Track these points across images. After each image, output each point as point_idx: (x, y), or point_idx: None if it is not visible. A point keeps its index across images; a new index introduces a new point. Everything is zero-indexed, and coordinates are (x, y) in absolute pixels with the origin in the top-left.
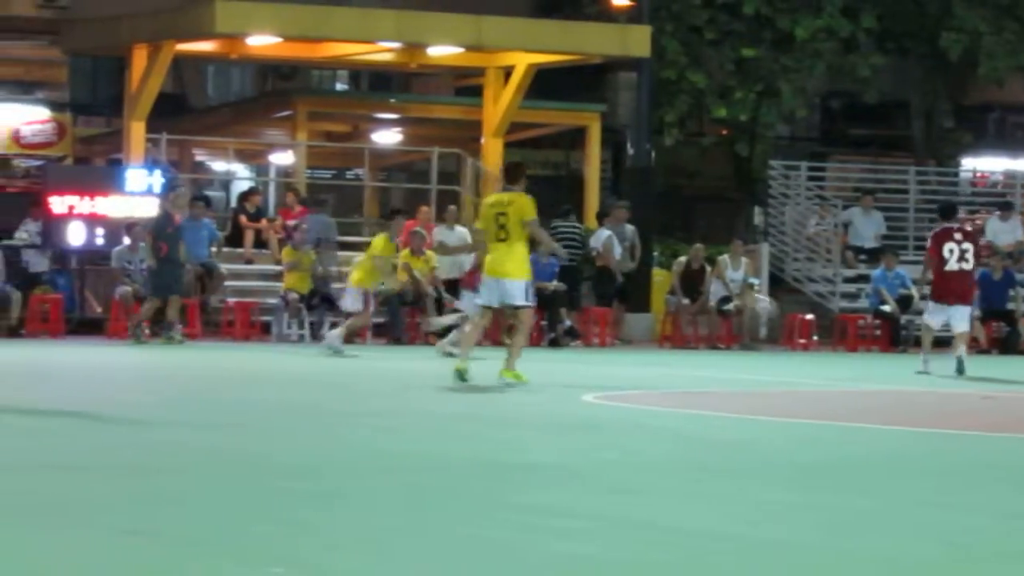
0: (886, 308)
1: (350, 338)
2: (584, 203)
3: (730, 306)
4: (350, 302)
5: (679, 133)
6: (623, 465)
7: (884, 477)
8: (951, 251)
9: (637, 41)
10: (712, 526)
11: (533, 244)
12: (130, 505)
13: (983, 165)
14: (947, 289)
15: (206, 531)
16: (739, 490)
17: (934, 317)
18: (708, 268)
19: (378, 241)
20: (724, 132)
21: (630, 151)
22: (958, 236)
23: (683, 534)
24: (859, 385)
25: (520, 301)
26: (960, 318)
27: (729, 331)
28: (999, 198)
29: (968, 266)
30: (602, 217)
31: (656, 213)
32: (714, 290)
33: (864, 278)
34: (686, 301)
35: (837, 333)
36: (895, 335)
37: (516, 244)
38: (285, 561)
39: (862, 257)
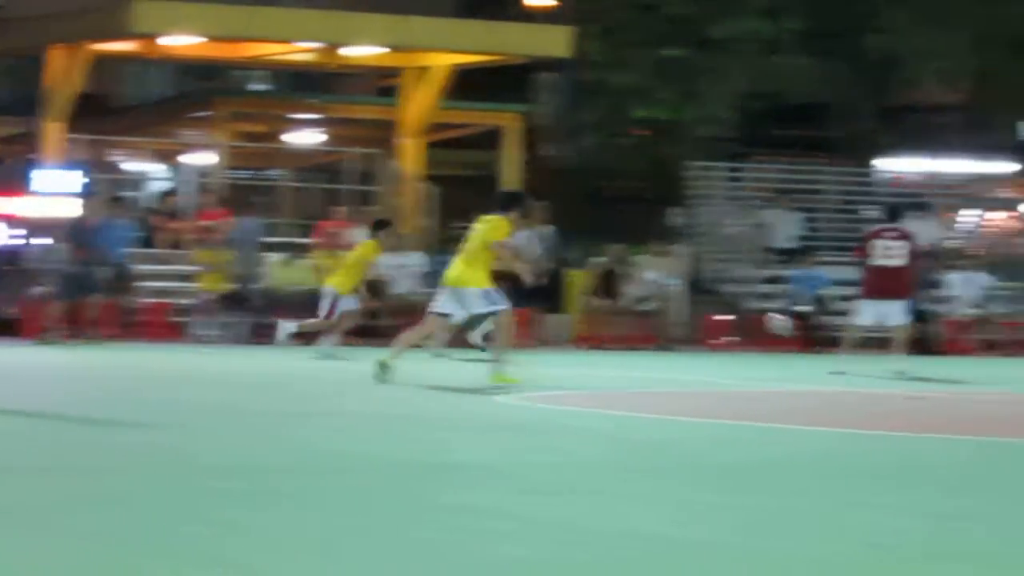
0: (801, 308)
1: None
2: None
3: (647, 306)
4: (347, 304)
5: (600, 134)
6: (549, 466)
7: (807, 478)
8: (877, 247)
9: (558, 42)
10: (637, 527)
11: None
12: (57, 506)
13: (903, 166)
14: (872, 284)
15: (136, 531)
16: (663, 491)
17: (862, 315)
18: (626, 269)
19: (367, 248)
20: (645, 133)
21: (550, 152)
22: (890, 235)
23: (609, 535)
24: (778, 385)
25: (481, 308)
26: (892, 313)
27: (646, 331)
28: (917, 199)
29: (893, 262)
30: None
31: (575, 214)
32: (632, 291)
33: (781, 278)
34: (604, 301)
35: (754, 333)
36: (812, 335)
37: (477, 260)
38: (217, 562)
39: (779, 257)
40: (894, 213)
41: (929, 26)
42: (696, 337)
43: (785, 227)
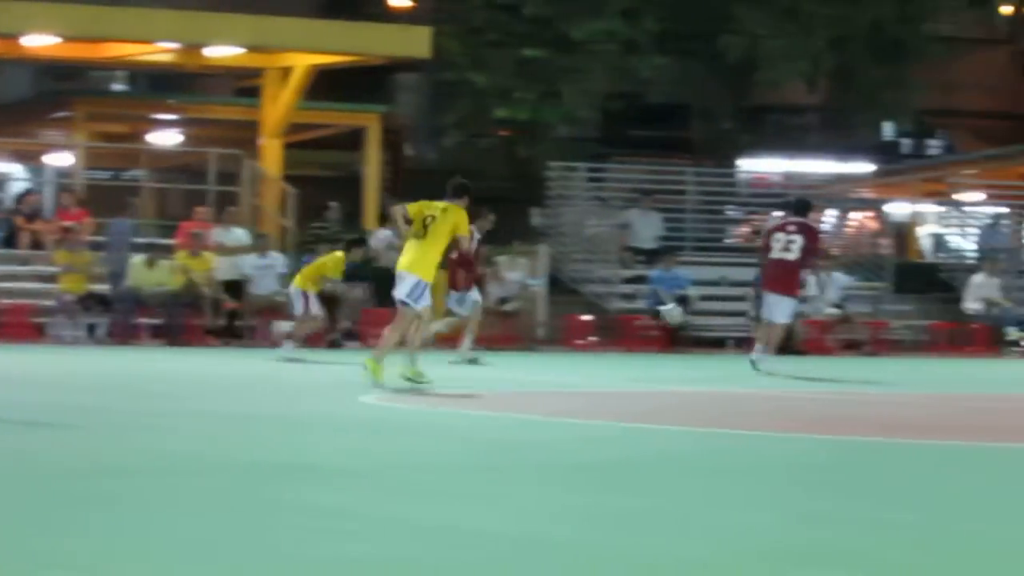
0: (665, 308)
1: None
2: (364, 204)
3: (510, 307)
4: (315, 307)
5: (460, 134)
6: (406, 466)
7: (668, 477)
8: (778, 240)
9: (418, 42)
10: (494, 526)
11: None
12: None
13: (764, 166)
14: (767, 277)
15: None
16: (518, 490)
17: (762, 308)
18: (488, 269)
19: (333, 260)
20: (505, 133)
21: (411, 152)
22: (791, 228)
23: (464, 534)
24: (640, 386)
25: (402, 294)
26: (776, 309)
27: (509, 332)
28: (777, 198)
29: (790, 256)
30: (383, 219)
31: None
32: (494, 291)
33: (642, 279)
34: None
35: (616, 334)
36: (673, 335)
37: (431, 248)
38: (61, 565)
39: (640, 258)
40: (799, 207)
41: (786, 27)
42: (559, 337)
43: (647, 227)
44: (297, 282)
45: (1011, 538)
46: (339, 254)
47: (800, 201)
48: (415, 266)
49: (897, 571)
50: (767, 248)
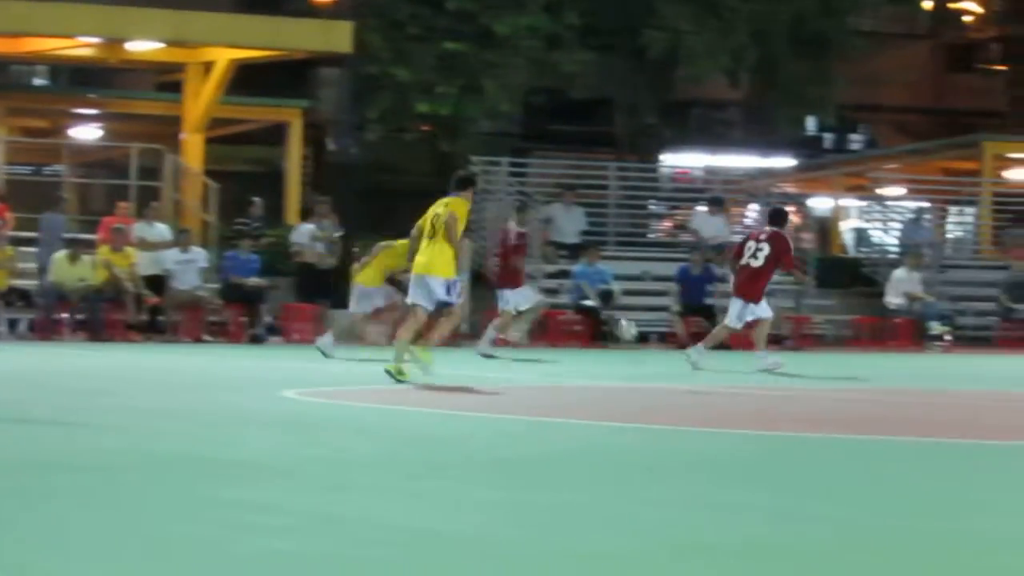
0: (588, 303)
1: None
2: (286, 199)
3: None
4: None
5: (382, 128)
6: (328, 461)
7: (583, 472)
8: (749, 248)
9: (340, 36)
10: (408, 522)
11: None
12: None
13: (684, 161)
14: (735, 283)
15: None
16: (438, 486)
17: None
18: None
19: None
20: (427, 128)
21: (333, 147)
22: (762, 236)
23: (388, 530)
24: (560, 380)
25: (441, 296)
26: (731, 310)
27: (434, 327)
28: (699, 193)
29: (756, 263)
30: (306, 213)
31: (359, 209)
32: None
33: (565, 273)
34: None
35: (539, 328)
36: (596, 330)
37: (445, 244)
38: None
39: (563, 253)
40: (774, 216)
41: (708, 22)
42: (482, 332)
43: (569, 222)
44: (362, 279)
45: (928, 530)
46: (399, 243)
47: (774, 211)
48: (434, 267)
49: (814, 563)
50: (738, 255)
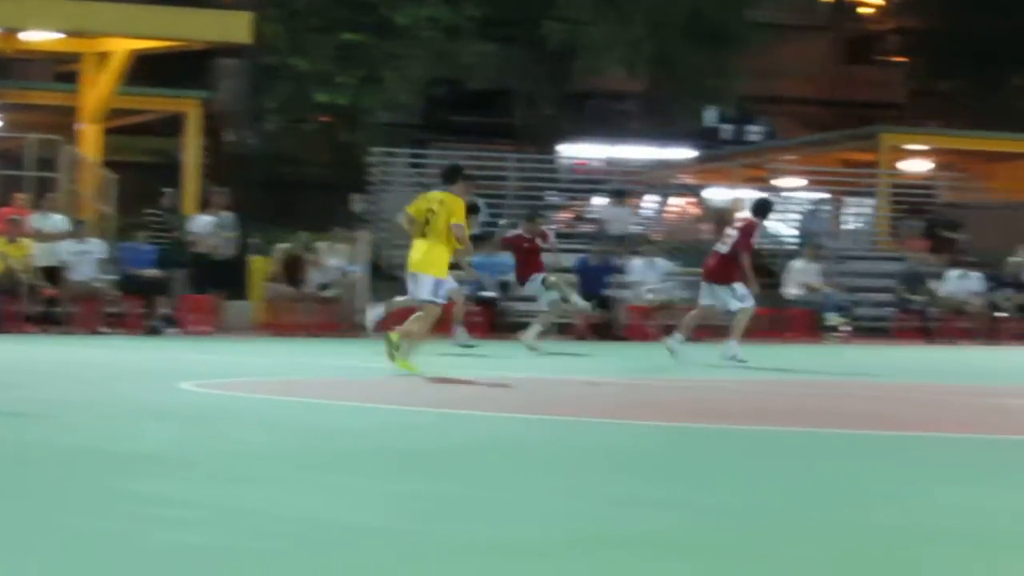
0: (487, 294)
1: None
2: (184, 190)
3: (330, 293)
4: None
5: (281, 119)
6: (228, 453)
7: (485, 463)
8: (727, 235)
9: (238, 27)
10: (314, 514)
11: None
12: None
13: (583, 152)
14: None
15: None
16: (342, 478)
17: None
18: (309, 255)
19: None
20: (327, 118)
21: (232, 138)
22: (737, 224)
23: (287, 522)
24: (461, 372)
25: (424, 295)
26: (703, 293)
27: (329, 318)
28: (598, 185)
29: (723, 249)
30: (204, 204)
31: (257, 200)
32: (314, 277)
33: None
34: (287, 288)
35: (438, 319)
36: (495, 321)
37: (438, 242)
38: None
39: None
40: (756, 207)
41: (606, 14)
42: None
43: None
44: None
45: (825, 521)
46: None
47: (757, 201)
48: (425, 265)
49: (713, 552)
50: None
